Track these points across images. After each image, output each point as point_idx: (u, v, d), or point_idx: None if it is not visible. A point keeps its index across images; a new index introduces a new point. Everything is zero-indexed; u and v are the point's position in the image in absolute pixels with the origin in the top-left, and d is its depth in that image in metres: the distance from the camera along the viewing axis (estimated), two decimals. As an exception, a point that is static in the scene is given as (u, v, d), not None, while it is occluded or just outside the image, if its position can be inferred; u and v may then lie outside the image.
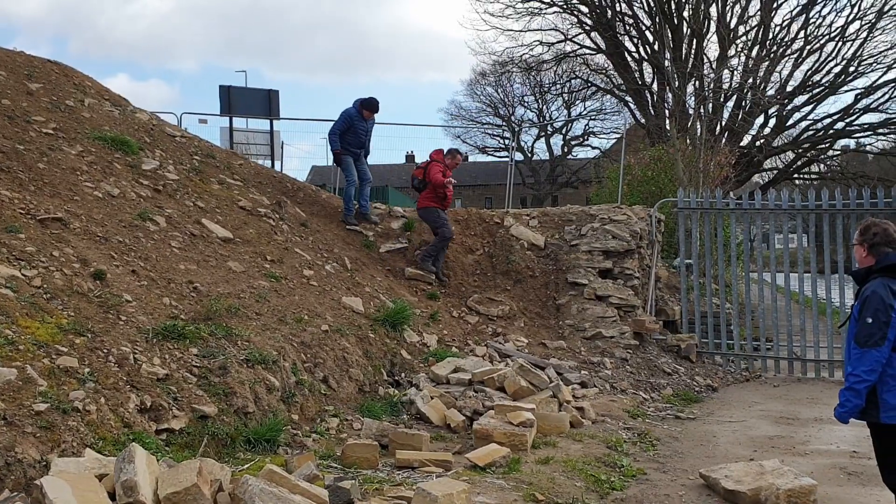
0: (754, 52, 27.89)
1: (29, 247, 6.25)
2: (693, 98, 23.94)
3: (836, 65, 28.27)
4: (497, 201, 48.54)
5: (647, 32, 29.45)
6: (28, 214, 6.86)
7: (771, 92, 27.78)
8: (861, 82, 29.08)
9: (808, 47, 28.31)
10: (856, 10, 27.37)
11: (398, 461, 5.82)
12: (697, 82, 24.77)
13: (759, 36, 28.21)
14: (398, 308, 9.22)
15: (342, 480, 4.86)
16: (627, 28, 30.11)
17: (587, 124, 48.44)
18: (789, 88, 28.76)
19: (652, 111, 28.40)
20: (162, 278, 7.05)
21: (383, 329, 8.80)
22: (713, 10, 27.59)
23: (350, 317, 8.58)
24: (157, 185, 8.97)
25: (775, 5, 27.94)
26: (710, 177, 16.30)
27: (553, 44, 32.21)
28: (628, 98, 32.07)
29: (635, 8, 29.42)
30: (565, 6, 30.11)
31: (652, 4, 28.40)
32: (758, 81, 26.88)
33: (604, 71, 34.18)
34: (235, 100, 18.43)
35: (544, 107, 48.15)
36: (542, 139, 51.57)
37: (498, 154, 53.16)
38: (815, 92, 29.04)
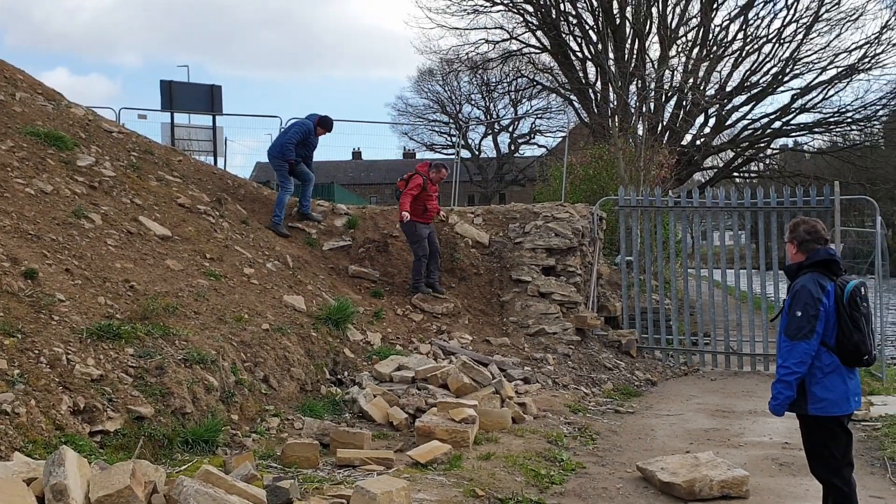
0: (694, 53, 28.45)
1: (-45, 245, 6.06)
2: (635, 97, 24.32)
3: (774, 66, 29.01)
4: (444, 199, 48.64)
5: (591, 32, 29.81)
6: (-45, 212, 6.65)
7: (711, 92, 28.39)
8: (797, 83, 29.93)
9: (746, 48, 29.01)
10: (792, 12, 28.13)
11: (339, 460, 5.81)
12: (639, 82, 25.18)
13: (700, 37, 28.80)
14: (341, 306, 9.17)
15: (281, 480, 4.83)
16: (571, 27, 30.42)
17: (533, 123, 48.93)
18: (728, 88, 29.43)
19: (595, 110, 28.76)
20: (97, 277, 6.90)
21: (326, 327, 8.75)
22: (655, 11, 28.06)
23: (292, 315, 8.51)
24: (92, 182, 8.76)
25: (715, 6, 28.55)
26: (651, 175, 16.59)
27: (498, 42, 32.39)
28: (573, 97, 32.43)
29: (579, 8, 29.75)
30: (510, 5, 30.29)
31: (595, 4, 28.76)
32: (698, 81, 27.43)
33: (549, 70, 34.49)
34: (177, 95, 18.09)
35: (491, 105, 48.45)
36: (490, 137, 51.87)
37: (445, 151, 53.23)
38: (753, 92, 29.75)
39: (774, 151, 34.97)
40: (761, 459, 6.75)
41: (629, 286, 12.32)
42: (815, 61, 28.69)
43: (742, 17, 28.75)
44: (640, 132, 19.20)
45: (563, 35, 30.25)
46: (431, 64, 45.12)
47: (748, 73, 29.26)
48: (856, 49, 28.23)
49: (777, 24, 28.77)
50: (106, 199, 8.63)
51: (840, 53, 28.43)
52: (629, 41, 28.20)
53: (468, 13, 30.76)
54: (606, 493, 5.83)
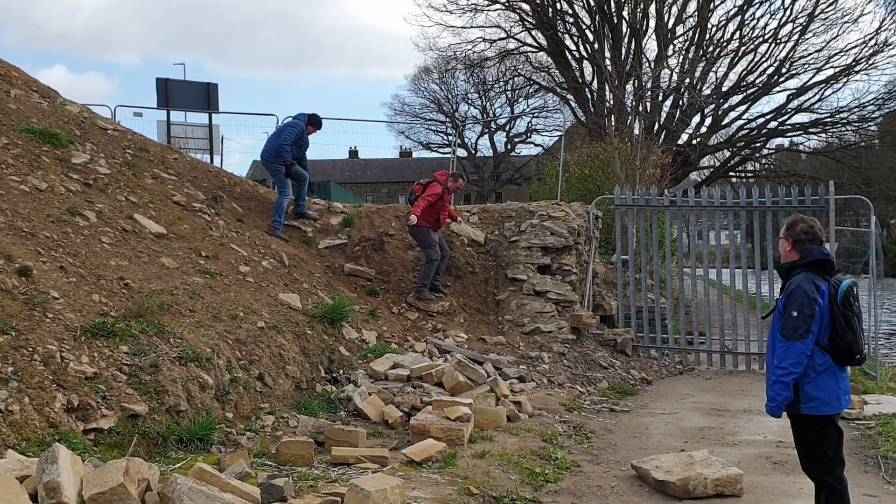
0: (691, 53, 28.50)
1: (-51, 242, 6.05)
2: (631, 97, 24.35)
3: (770, 66, 29.10)
4: (440, 197, 48.53)
5: (588, 31, 29.85)
6: (-51, 209, 6.64)
7: (707, 92, 28.44)
8: (793, 83, 30.00)
9: (742, 48, 29.08)
10: (788, 12, 28.20)
11: (334, 458, 5.80)
12: (636, 81, 25.21)
13: (696, 36, 28.85)
14: (337, 304, 9.17)
15: (275, 478, 4.83)
16: (568, 26, 30.47)
17: (530, 122, 48.91)
18: (724, 88, 29.50)
19: (592, 109, 28.79)
20: (91, 275, 6.88)
21: (321, 326, 8.74)
22: (652, 10, 28.10)
23: (287, 313, 8.50)
24: (87, 180, 8.74)
25: (712, 6, 28.61)
26: (647, 175, 16.61)
27: (495, 41, 32.42)
28: (569, 96, 32.47)
29: (576, 7, 29.80)
30: (507, 4, 30.32)
31: (592, 3, 28.79)
32: (694, 81, 27.48)
33: (546, 69, 34.53)
34: (173, 93, 18.05)
35: (487, 104, 48.46)
36: (486, 136, 51.88)
37: (442, 150, 53.23)
38: (749, 92, 29.82)
39: (770, 151, 35.05)
40: (755, 458, 6.76)
41: (625, 285, 12.33)
42: (811, 61, 28.80)
43: (738, 17, 28.82)
44: (636, 131, 19.21)
45: (560, 34, 30.30)
46: (429, 62, 45.10)
47: (744, 72, 29.35)
48: (852, 49, 28.33)
49: (773, 24, 28.86)
50: (101, 196, 8.61)
51: (836, 54, 28.53)
52: (626, 40, 28.25)
53: (466, 11, 30.81)
54: (601, 491, 5.83)
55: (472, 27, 33.62)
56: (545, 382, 9.44)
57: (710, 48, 29.00)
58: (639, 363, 11.37)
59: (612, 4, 28.47)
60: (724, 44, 29.23)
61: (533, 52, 33.32)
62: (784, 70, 28.98)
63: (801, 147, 35.36)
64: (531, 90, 42.04)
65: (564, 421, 7.94)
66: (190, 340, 6.59)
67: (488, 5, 30.29)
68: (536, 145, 49.15)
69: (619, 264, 12.40)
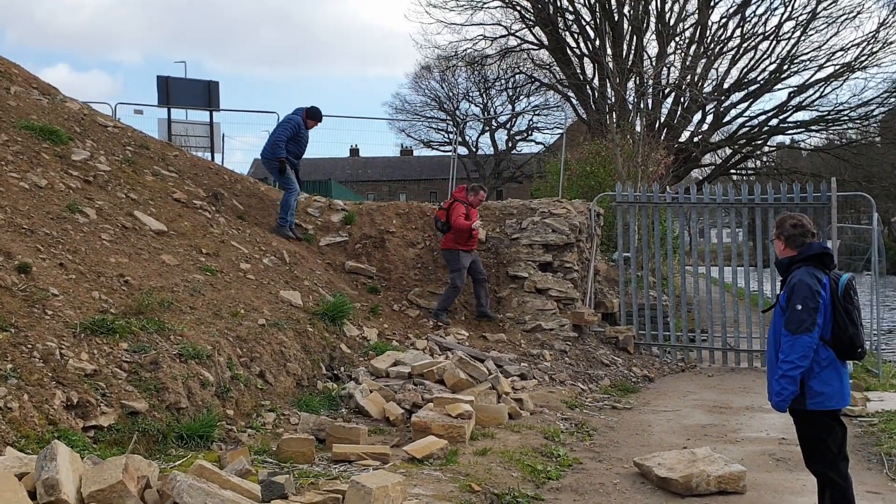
0: (692, 50, 28.44)
1: (-51, 239, 6.02)
2: (633, 94, 24.30)
3: (771, 63, 29.03)
4: (442, 196, 48.55)
5: (589, 28, 29.79)
6: (-52, 206, 6.61)
7: (708, 89, 28.39)
8: (794, 80, 29.93)
9: (743, 45, 29.01)
10: (789, 9, 28.13)
11: (335, 455, 5.78)
12: (637, 78, 25.16)
13: (697, 34, 28.79)
14: (338, 302, 9.14)
15: (276, 475, 4.80)
16: (569, 24, 30.41)
17: (531, 119, 48.86)
18: (726, 85, 29.44)
19: (593, 106, 28.75)
20: (91, 272, 6.86)
21: (322, 323, 8.72)
22: (652, 8, 28.05)
23: (288, 311, 8.48)
24: (87, 177, 8.71)
25: (712, 3, 28.55)
26: (649, 172, 16.57)
27: (496, 38, 32.37)
28: (570, 93, 32.41)
29: (577, 4, 29.73)
30: (508, 1, 30.26)
31: (593, 1, 28.73)
32: (695, 78, 27.42)
33: (547, 66, 34.47)
34: (174, 90, 18.02)
35: (488, 102, 48.43)
36: (487, 134, 51.84)
37: (442, 148, 53.22)
38: (750, 89, 29.76)
39: (771, 149, 35.01)
40: (758, 455, 6.73)
41: (626, 282, 12.30)
42: (813, 59, 28.72)
43: (740, 15, 28.75)
44: (637, 129, 19.17)
45: (561, 31, 30.24)
46: (430, 60, 45.03)
47: (745, 70, 29.29)
48: (853, 47, 28.27)
49: (774, 21, 28.83)
50: (101, 193, 8.58)
51: (837, 51, 28.47)
52: (627, 37, 28.19)
53: (466, 8, 30.76)
54: (603, 488, 5.80)
55: (472, 24, 33.66)
56: (547, 380, 9.42)
57: (712, 45, 28.95)
58: (640, 360, 11.34)
59: (613, 1, 28.42)
60: (725, 41, 29.18)
61: (534, 49, 33.28)
62: (785, 67, 28.92)
63: (801, 145, 35.31)
64: (532, 87, 42.03)
65: (566, 418, 7.91)
66: (190, 338, 6.56)
67: (489, 2, 30.24)
68: (537, 143, 49.15)
69: (621, 262, 12.37)
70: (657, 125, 25.78)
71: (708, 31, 28.78)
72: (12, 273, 6.06)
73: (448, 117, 49.72)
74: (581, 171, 17.05)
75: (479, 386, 7.91)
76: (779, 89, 30.34)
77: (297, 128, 10.88)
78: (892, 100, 29.68)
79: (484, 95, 47.58)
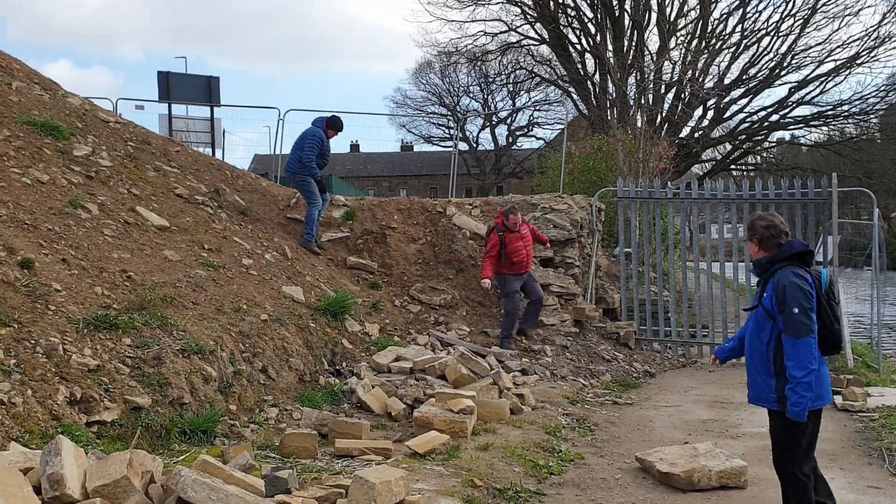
0: (693, 45, 28.42)
1: (-49, 235, 6.03)
2: (634, 89, 24.28)
3: (772, 59, 28.99)
4: (442, 191, 48.60)
5: (590, 24, 29.76)
6: (-49, 201, 6.61)
7: (709, 84, 28.35)
8: (795, 76, 29.93)
9: (744, 41, 28.98)
10: (790, 6, 28.09)
11: (337, 450, 5.80)
12: (638, 74, 25.14)
13: (698, 29, 28.76)
14: (339, 297, 9.16)
15: (279, 470, 4.81)
16: (570, 19, 30.37)
17: (532, 115, 48.84)
18: (726, 81, 29.40)
19: (594, 102, 28.73)
20: (94, 267, 6.86)
21: (324, 318, 8.73)
22: (654, 2, 28.01)
23: (290, 306, 8.49)
24: (89, 172, 8.72)
25: (713, -1, 28.51)
26: (650, 167, 16.56)
27: (497, 34, 32.34)
28: (571, 89, 32.39)
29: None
30: (508, -4, 30.23)
31: (594, -4, 28.70)
32: (696, 74, 27.39)
33: (548, 62, 34.44)
34: (174, 86, 18.01)
35: (489, 97, 48.39)
36: (488, 129, 51.82)
37: (443, 144, 53.20)
38: (751, 85, 29.73)
39: (771, 144, 34.98)
40: (759, 450, 6.73)
41: (627, 278, 12.31)
42: (813, 55, 28.68)
43: (740, 10, 28.72)
44: (638, 124, 19.16)
45: (562, 27, 30.21)
46: (430, 57, 45.05)
47: (746, 65, 29.25)
48: (853, 42, 28.23)
49: (775, 17, 28.78)
50: (103, 189, 8.59)
51: (838, 47, 28.43)
52: (628, 33, 28.16)
53: (467, 5, 30.73)
54: (605, 483, 5.82)
55: (473, 21, 33.60)
56: (548, 375, 9.43)
57: (712, 41, 28.92)
58: (642, 356, 11.35)
59: (614, -3, 28.38)
60: (726, 37, 29.14)
61: (535, 45, 33.26)
62: (786, 63, 28.88)
63: (802, 140, 35.28)
64: (533, 83, 42.02)
65: (568, 413, 7.93)
66: (193, 333, 6.58)
67: (490, -2, 30.22)
68: (538, 139, 49.13)
69: (622, 257, 12.38)
70: (658, 121, 25.77)
71: (709, 27, 28.75)
72: (15, 268, 6.07)
73: (448, 113, 49.72)
74: (583, 167, 17.04)
75: (480, 381, 7.92)
76: (779, 85, 30.35)
77: (322, 142, 10.70)
78: (893, 95, 29.65)
79: (484, 91, 47.58)
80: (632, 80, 24.98)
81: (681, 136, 27.94)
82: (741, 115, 30.98)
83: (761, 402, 4.50)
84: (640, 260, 12.36)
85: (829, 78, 28.86)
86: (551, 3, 29.88)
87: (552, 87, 39.72)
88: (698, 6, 28.39)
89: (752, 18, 28.96)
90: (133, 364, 5.79)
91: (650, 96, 25.64)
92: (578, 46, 30.56)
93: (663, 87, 26.85)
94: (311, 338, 8.21)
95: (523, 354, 9.89)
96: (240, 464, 4.49)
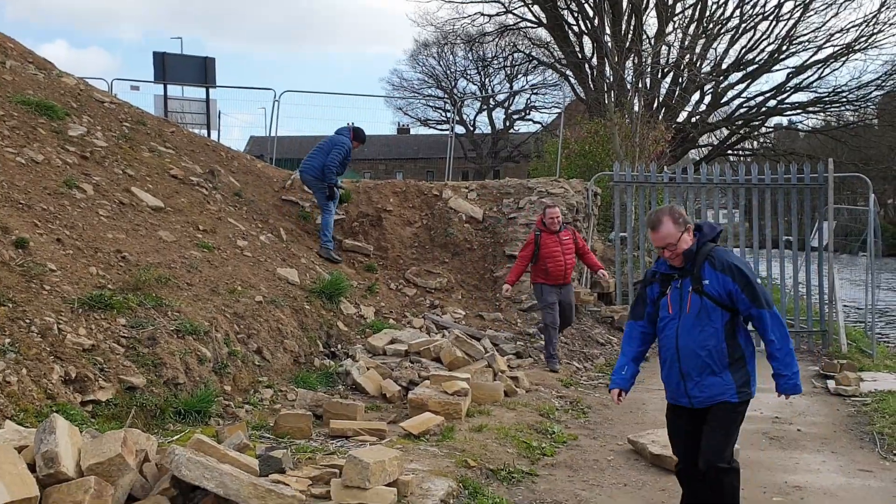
0: (691, 29, 28.32)
1: (-55, 214, 6.01)
2: (631, 73, 24.22)
3: (770, 44, 28.93)
4: (439, 175, 48.44)
5: (587, 6, 29.62)
6: (-55, 180, 6.59)
7: (707, 69, 28.29)
8: (793, 61, 29.86)
9: (743, 25, 28.89)
10: (789, -11, 28.01)
11: (332, 430, 5.82)
12: (636, 57, 25.06)
13: (697, 13, 28.65)
14: (335, 280, 9.16)
15: (274, 450, 4.84)
16: (568, 1, 30.22)
17: (529, 98, 48.62)
18: (724, 66, 29.34)
19: (591, 85, 28.65)
20: (89, 247, 6.85)
21: (319, 301, 8.74)
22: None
23: (285, 288, 8.49)
24: (84, 152, 8.68)
25: (712, -17, 28.40)
26: (647, 151, 16.55)
27: (494, 15, 32.19)
28: (569, 72, 32.29)
29: (576, -19, 29.57)
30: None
31: (592, -21, 28.56)
32: (694, 58, 27.32)
33: (545, 45, 34.31)
34: (170, 66, 17.90)
35: (486, 80, 48.14)
36: (485, 113, 51.62)
37: (440, 127, 53.00)
38: (749, 70, 29.67)
39: (769, 130, 34.96)
40: (752, 433, 6.77)
41: (622, 262, 12.32)
42: (812, 40, 28.63)
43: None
44: (635, 108, 19.12)
45: (560, 9, 30.07)
46: (427, 36, 44.81)
47: (744, 50, 29.21)
48: (853, 28, 28.17)
49: (774, 1, 28.65)
50: (98, 169, 8.56)
51: (837, 32, 28.38)
52: (626, 16, 28.04)
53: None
54: (597, 464, 5.86)
55: (470, 2, 33.34)
56: (542, 359, 9.46)
57: (711, 25, 28.82)
58: (636, 340, 11.37)
59: (613, -20, 28.22)
60: (725, 21, 29.05)
61: (532, 27, 33.12)
62: (784, 48, 28.84)
63: (799, 126, 35.28)
64: (530, 66, 41.75)
65: (561, 396, 7.96)
66: (188, 314, 6.58)
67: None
68: (535, 122, 48.91)
69: (618, 241, 12.39)
70: (655, 105, 25.72)
71: (707, 11, 28.64)
72: (10, 248, 6.05)
73: (445, 95, 49.51)
74: (579, 151, 17.02)
75: (475, 364, 7.95)
76: (777, 70, 30.34)
77: (348, 152, 10.59)
78: (891, 82, 29.62)
79: (482, 74, 47.32)
80: (629, 63, 24.89)
81: (678, 120, 27.89)
82: (738, 101, 31.00)
83: (717, 399, 4.11)
84: (635, 244, 12.37)
85: (828, 63, 28.83)
86: (549, -16, 29.74)
87: (550, 71, 39.55)
88: (697, -11, 28.28)
89: (752, 3, 28.88)
90: (128, 344, 5.80)
91: (647, 80, 25.58)
92: (576, 29, 30.46)
93: (661, 71, 26.77)
94: (305, 320, 8.22)
95: (518, 338, 9.91)
96: (234, 443, 4.51)
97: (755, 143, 35.26)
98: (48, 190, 7.45)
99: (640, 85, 22.52)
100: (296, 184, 11.62)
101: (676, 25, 28.80)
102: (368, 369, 7.56)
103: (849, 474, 5.67)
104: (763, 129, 34.04)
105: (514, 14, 32.21)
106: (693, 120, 29.32)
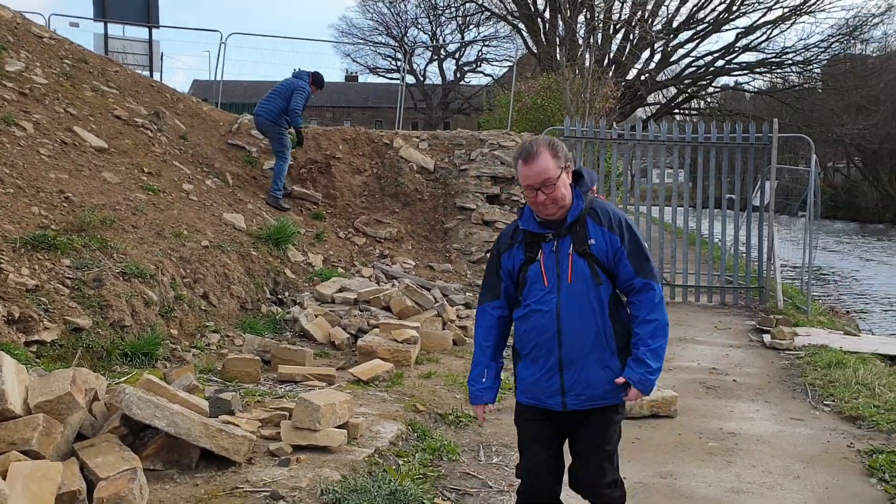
0: (644, -14, 28.34)
1: None
2: (583, 28, 24.20)
3: (721, 2, 29.15)
4: (387, 125, 47.95)
5: (542, -41, 29.39)
6: None
7: (658, 27, 28.42)
8: (742, 22, 30.18)
9: (695, -17, 29.04)
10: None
11: (280, 375, 5.84)
12: (588, 12, 25.02)
13: (650, -31, 28.65)
14: (282, 226, 9.08)
15: (223, 392, 4.84)
16: (522, -47, 29.94)
17: (480, 50, 48.26)
18: (675, 24, 29.52)
19: (543, 39, 28.56)
20: (30, 186, 6.66)
21: (266, 247, 8.67)
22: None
23: (231, 233, 8.40)
24: (22, 89, 8.37)
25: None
26: (596, 107, 16.64)
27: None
28: (521, 25, 32.10)
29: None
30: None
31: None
32: (645, 15, 27.41)
33: (498, -4, 33.97)
34: (110, 4, 17.23)
35: (438, 30, 47.61)
36: (435, 63, 51.11)
37: (389, 76, 52.34)
38: (698, 29, 29.92)
39: (716, 90, 35.43)
40: (689, 383, 7.01)
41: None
42: (762, 0, 28.94)
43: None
44: (587, 64, 19.15)
45: (514, -40, 29.78)
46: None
47: (696, 8, 29.37)
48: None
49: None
50: (38, 107, 8.27)
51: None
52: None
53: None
54: (542, 411, 5.99)
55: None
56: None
57: (663, -18, 28.90)
58: (581, 293, 11.57)
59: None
60: (677, -22, 29.16)
61: (486, -23, 32.74)
62: (735, 8, 29.10)
63: (745, 87, 35.83)
64: (482, 17, 41.41)
65: (510, 345, 8.07)
66: (133, 256, 6.47)
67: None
68: (486, 75, 48.67)
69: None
70: (606, 61, 25.79)
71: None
72: (-54, 185, 5.85)
73: (396, 44, 48.82)
74: (531, 105, 17.03)
75: (425, 313, 8.01)
76: (727, 30, 30.62)
77: (308, 97, 10.35)
78: (836, 45, 30.21)
79: (433, 23, 46.79)
80: (581, 18, 24.85)
81: (627, 78, 28.05)
82: (688, 59, 31.28)
83: (600, 401, 3.09)
84: (583, 199, 12.48)
85: (776, 25, 29.23)
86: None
87: (502, 23, 39.25)
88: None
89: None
90: (73, 285, 5.69)
91: (599, 36, 25.59)
92: (529, -19, 30.22)
93: (612, 27, 26.81)
94: (252, 266, 8.16)
95: (467, 289, 10.00)
96: (184, 385, 4.50)
97: (702, 102, 35.72)
98: (-14, 126, 7.18)
99: (591, 40, 22.51)
100: (243, 128, 11.41)
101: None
102: (317, 317, 7.56)
103: (781, 422, 5.92)
104: (710, 90, 34.50)
105: (467, -37, 31.80)
106: (642, 78, 29.52)
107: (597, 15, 24.73)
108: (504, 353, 3.36)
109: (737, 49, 30.44)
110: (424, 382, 6.12)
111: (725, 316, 10.46)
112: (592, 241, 3.04)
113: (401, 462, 4.48)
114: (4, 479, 3.19)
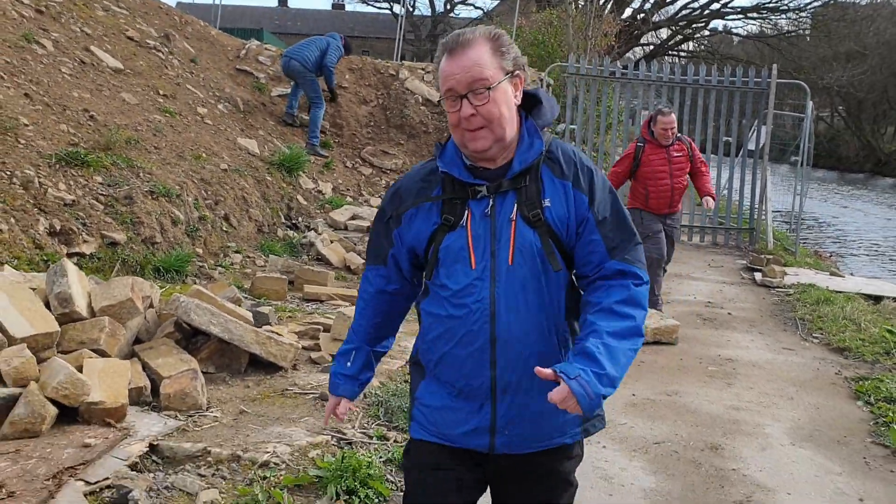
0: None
1: (-88, 59, 5.85)
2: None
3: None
4: (374, 55, 47.38)
5: None
6: None
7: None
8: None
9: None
10: None
11: (306, 294, 6.11)
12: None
13: None
14: (293, 153, 9.25)
15: (259, 307, 5.12)
16: None
17: (471, -18, 47.48)
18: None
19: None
20: (56, 104, 6.77)
21: (279, 173, 8.85)
22: None
23: (246, 158, 8.57)
24: (39, 6, 8.38)
25: None
26: (597, 45, 16.69)
27: None
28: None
29: None
30: None
31: None
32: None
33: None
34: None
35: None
36: (426, -6, 50.29)
37: (377, 4, 51.48)
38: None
39: (709, 34, 35.38)
40: (687, 314, 7.38)
41: (569, 154, 12.61)
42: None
43: None
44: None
45: None
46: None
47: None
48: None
49: None
50: (55, 25, 8.30)
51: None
52: None
53: None
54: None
55: None
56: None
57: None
58: (577, 229, 11.86)
59: None
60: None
61: None
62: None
63: (735, 32, 35.82)
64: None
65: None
66: (158, 176, 6.65)
67: None
68: (477, 8, 48.05)
69: (567, 134, 12.67)
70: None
71: None
72: (-20, 99, 5.98)
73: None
74: (532, 40, 17.03)
75: (433, 241, 8.25)
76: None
77: (341, 57, 10.93)
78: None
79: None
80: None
81: (623, 17, 27.94)
82: (683, 1, 31.12)
83: (547, 442, 2.00)
84: (583, 139, 12.69)
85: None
86: None
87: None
88: None
89: None
90: (106, 202, 5.89)
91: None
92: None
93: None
94: (267, 191, 8.35)
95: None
96: (228, 296, 4.76)
97: (692, 45, 35.67)
98: (8, 42, 7.23)
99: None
100: (251, 53, 11.44)
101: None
102: (332, 242, 7.81)
103: (774, 351, 6.31)
104: (705, 32, 34.45)
105: None
106: (638, 17, 29.42)
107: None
108: (399, 330, 2.29)
109: (733, -9, 30.33)
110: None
111: (717, 255, 10.83)
112: (548, 203, 1.93)
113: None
114: (81, 372, 3.47)
